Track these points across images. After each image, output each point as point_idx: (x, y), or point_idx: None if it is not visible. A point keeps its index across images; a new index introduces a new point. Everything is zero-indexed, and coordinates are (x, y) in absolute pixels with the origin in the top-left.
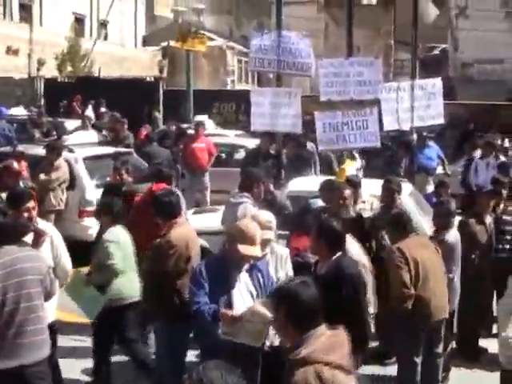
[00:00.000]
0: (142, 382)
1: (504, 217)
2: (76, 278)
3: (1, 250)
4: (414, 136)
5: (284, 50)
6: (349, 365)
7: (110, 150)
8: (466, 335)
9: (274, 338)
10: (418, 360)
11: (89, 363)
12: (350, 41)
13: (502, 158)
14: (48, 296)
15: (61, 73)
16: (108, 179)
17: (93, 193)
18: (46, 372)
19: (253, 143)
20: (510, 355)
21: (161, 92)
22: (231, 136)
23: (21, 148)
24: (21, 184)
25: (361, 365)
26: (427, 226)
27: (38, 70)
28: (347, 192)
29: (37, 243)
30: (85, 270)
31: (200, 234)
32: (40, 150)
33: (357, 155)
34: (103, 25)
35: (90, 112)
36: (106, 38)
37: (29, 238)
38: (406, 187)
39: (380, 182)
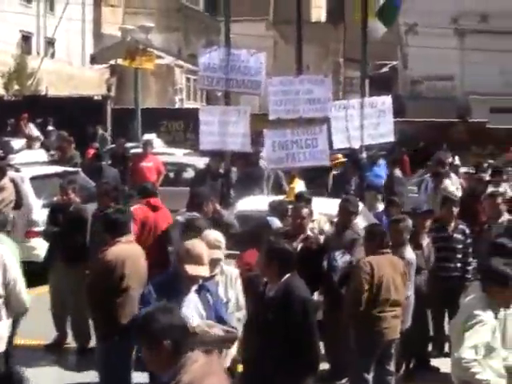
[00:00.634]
0: None
1: (455, 235)
2: None
3: None
4: (364, 154)
5: (233, 68)
6: None
7: (58, 169)
8: (415, 354)
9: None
10: (370, 377)
11: None
12: (299, 58)
13: (453, 176)
14: None
15: (7, 91)
16: (55, 199)
17: (40, 213)
18: None
19: (202, 162)
20: (462, 375)
21: (109, 110)
22: (179, 155)
23: None
24: None
25: None
26: None
27: None
28: (305, 211)
29: None
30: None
31: None
32: None
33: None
34: (50, 43)
35: (35, 131)
36: (53, 56)
37: None
38: None
39: (328, 200)
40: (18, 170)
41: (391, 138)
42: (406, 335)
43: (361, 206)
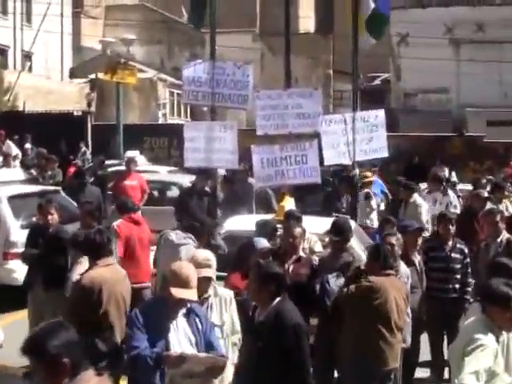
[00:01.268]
0: None
1: (453, 255)
2: None
3: None
4: (356, 171)
5: (219, 81)
6: None
7: (36, 188)
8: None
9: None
10: None
11: None
12: (287, 71)
13: (451, 194)
14: None
15: None
16: (34, 219)
17: (18, 234)
18: None
19: (187, 180)
20: None
21: (89, 127)
22: (163, 172)
23: None
24: None
25: None
26: None
27: None
28: (297, 230)
29: None
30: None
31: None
32: None
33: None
34: (27, 56)
35: (13, 148)
36: (30, 69)
37: None
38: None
39: (319, 219)
40: None
41: (385, 154)
42: None
43: (353, 224)
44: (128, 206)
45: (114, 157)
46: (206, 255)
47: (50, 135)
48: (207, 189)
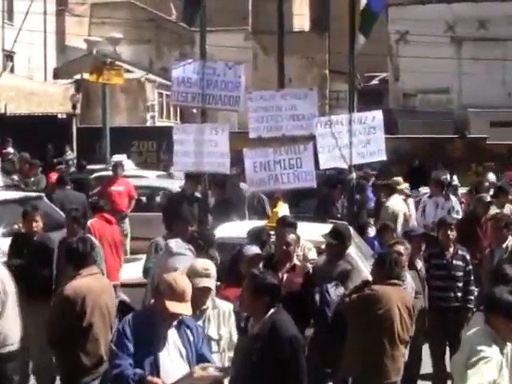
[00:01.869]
0: None
1: (455, 262)
2: None
3: None
4: (354, 175)
5: (209, 82)
6: None
7: (18, 194)
8: None
9: None
10: None
11: None
12: (281, 71)
13: (453, 198)
14: None
15: None
16: (16, 227)
17: None
18: None
19: (176, 185)
20: None
21: (74, 130)
22: (152, 177)
23: None
24: None
25: None
26: (368, 272)
27: None
28: (291, 237)
29: None
30: None
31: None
32: None
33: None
34: (9, 56)
35: None
36: (12, 70)
37: None
38: None
39: (314, 225)
40: None
41: (383, 157)
42: None
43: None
44: (100, 204)
45: (100, 161)
46: (206, 264)
47: (32, 139)
48: (197, 194)
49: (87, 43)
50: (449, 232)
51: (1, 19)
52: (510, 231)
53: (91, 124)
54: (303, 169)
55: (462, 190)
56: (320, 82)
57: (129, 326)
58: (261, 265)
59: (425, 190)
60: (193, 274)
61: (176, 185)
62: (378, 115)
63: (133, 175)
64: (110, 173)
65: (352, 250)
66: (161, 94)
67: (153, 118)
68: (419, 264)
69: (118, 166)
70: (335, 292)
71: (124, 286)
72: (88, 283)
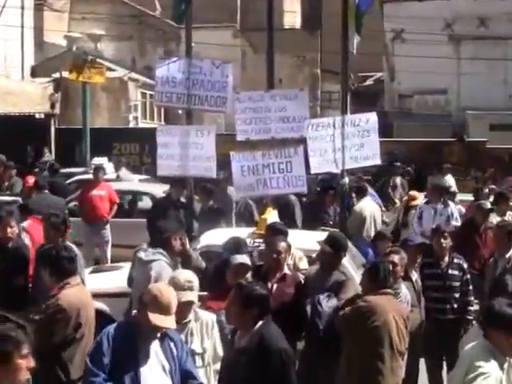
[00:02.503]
0: None
1: (450, 271)
2: None
3: None
4: (346, 179)
5: (195, 82)
6: None
7: None
8: None
9: None
10: None
11: None
12: (270, 70)
13: (452, 205)
14: None
15: None
16: None
17: None
18: None
19: (160, 190)
20: None
21: (53, 131)
22: (135, 182)
23: None
24: None
25: None
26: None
27: None
28: (282, 245)
29: None
30: None
31: (98, 296)
32: None
33: None
34: None
35: None
36: None
37: None
38: None
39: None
40: None
41: (377, 161)
42: None
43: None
44: (27, 207)
45: (79, 164)
46: (188, 276)
47: (8, 140)
48: (183, 199)
49: (67, 40)
50: (442, 240)
51: None
52: None
53: (71, 125)
54: (293, 173)
55: (462, 197)
56: (311, 82)
57: (107, 339)
58: (249, 275)
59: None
60: (175, 286)
61: (160, 189)
62: (372, 117)
63: (113, 179)
64: (90, 176)
65: (345, 260)
66: (144, 94)
67: (136, 118)
68: (414, 275)
69: (98, 169)
70: (328, 304)
71: (105, 295)
72: (78, 293)
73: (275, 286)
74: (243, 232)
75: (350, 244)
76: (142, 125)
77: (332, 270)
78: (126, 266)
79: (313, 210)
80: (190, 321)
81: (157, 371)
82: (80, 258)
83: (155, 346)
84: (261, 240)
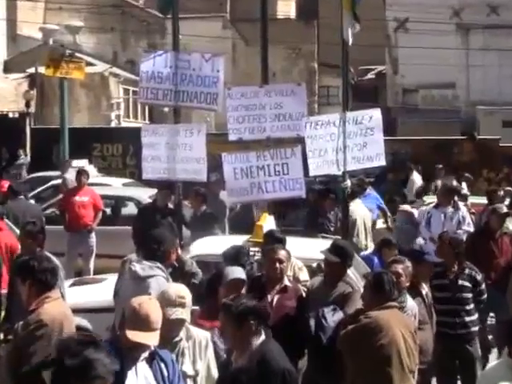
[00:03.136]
0: None
1: (460, 282)
2: None
3: None
4: (348, 182)
5: (183, 77)
6: None
7: None
8: None
9: None
10: None
11: None
12: (264, 64)
13: (463, 208)
14: None
15: None
16: None
17: None
18: None
19: (146, 195)
20: None
21: (28, 131)
22: (117, 186)
23: None
24: None
25: None
26: None
27: None
28: (282, 253)
29: None
30: None
31: (79, 311)
32: None
33: None
34: None
35: None
36: None
37: None
38: None
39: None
40: None
41: (382, 162)
42: None
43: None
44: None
45: (57, 167)
46: (180, 292)
47: None
48: (170, 205)
49: (42, 32)
50: (446, 248)
51: None
52: None
53: (47, 124)
54: (290, 176)
55: (473, 200)
56: (307, 77)
57: None
58: (243, 290)
59: (429, 199)
60: (165, 302)
61: (146, 194)
62: (375, 114)
63: (95, 183)
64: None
65: (351, 270)
66: (127, 91)
67: (118, 117)
68: (425, 288)
69: (82, 173)
70: (333, 318)
71: (87, 310)
72: (59, 308)
73: (275, 299)
74: (237, 240)
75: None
76: (124, 124)
77: (337, 281)
78: (110, 278)
79: (312, 215)
80: (180, 339)
81: None
82: (60, 270)
83: (143, 368)
84: (256, 248)
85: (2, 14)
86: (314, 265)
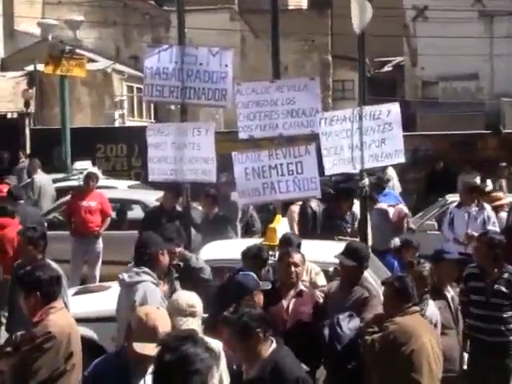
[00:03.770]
0: None
1: (496, 286)
2: None
3: None
4: (366, 180)
5: (189, 73)
6: None
7: None
8: None
9: None
10: None
11: None
12: (275, 57)
13: (488, 207)
14: None
15: None
16: None
17: None
18: None
19: (152, 198)
20: None
21: (27, 131)
22: (123, 188)
23: None
24: None
25: None
26: None
27: None
28: (297, 257)
29: None
30: None
31: (84, 321)
32: None
33: None
34: None
35: None
36: None
37: None
38: None
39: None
40: None
41: (401, 159)
42: None
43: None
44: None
45: (58, 169)
46: (191, 300)
47: None
48: (178, 207)
49: (41, 27)
50: (486, 249)
51: None
52: None
53: (48, 125)
54: (305, 175)
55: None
56: (321, 70)
57: (95, 372)
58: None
59: (451, 197)
60: (175, 311)
61: (152, 197)
62: (394, 108)
63: (99, 186)
64: (72, 183)
65: (368, 273)
66: (131, 88)
67: (122, 116)
68: (450, 292)
69: (91, 176)
70: (348, 325)
71: (93, 320)
72: (65, 319)
73: (291, 304)
74: (249, 243)
75: (372, 255)
76: (129, 123)
77: (354, 285)
78: (115, 286)
79: (328, 216)
80: None
81: None
82: (63, 278)
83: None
84: (270, 252)
85: None
86: (331, 269)
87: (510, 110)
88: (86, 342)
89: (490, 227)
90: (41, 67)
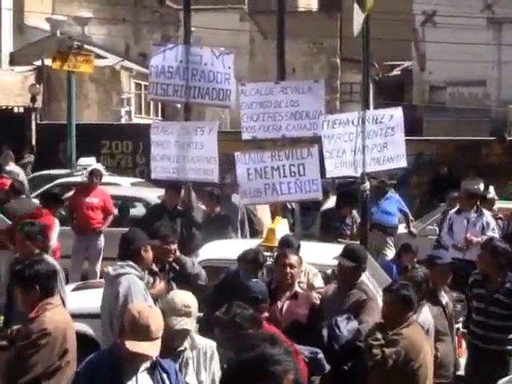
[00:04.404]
0: None
1: (496, 295)
2: None
3: None
4: (367, 184)
5: (194, 72)
6: None
7: None
8: None
9: None
10: None
11: None
12: (282, 59)
13: (487, 213)
14: None
15: None
16: None
17: None
18: None
19: (155, 195)
20: None
21: (33, 126)
22: (126, 185)
23: None
24: None
25: None
26: None
27: None
28: (294, 258)
29: None
30: None
31: (81, 317)
32: None
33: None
34: None
35: None
36: None
37: None
38: None
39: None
40: None
41: (403, 163)
42: None
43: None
44: None
45: (63, 165)
46: (186, 300)
47: None
48: (180, 206)
49: (50, 23)
50: (492, 258)
51: None
52: None
53: (54, 120)
54: (307, 177)
55: (502, 204)
56: (330, 72)
57: (88, 369)
58: None
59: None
60: (170, 310)
61: (154, 194)
62: (396, 113)
63: (103, 182)
64: (76, 179)
65: (366, 276)
66: (139, 85)
67: (129, 113)
68: (445, 298)
69: (95, 173)
70: (346, 326)
71: (92, 316)
72: (62, 315)
73: (285, 305)
74: (248, 244)
75: (372, 259)
76: (135, 120)
77: (351, 287)
78: None
79: (328, 219)
80: (185, 349)
81: None
82: (60, 272)
83: (144, 379)
84: (269, 253)
85: (9, 4)
86: (329, 271)
87: None
88: (83, 337)
89: (489, 233)
90: (49, 62)
